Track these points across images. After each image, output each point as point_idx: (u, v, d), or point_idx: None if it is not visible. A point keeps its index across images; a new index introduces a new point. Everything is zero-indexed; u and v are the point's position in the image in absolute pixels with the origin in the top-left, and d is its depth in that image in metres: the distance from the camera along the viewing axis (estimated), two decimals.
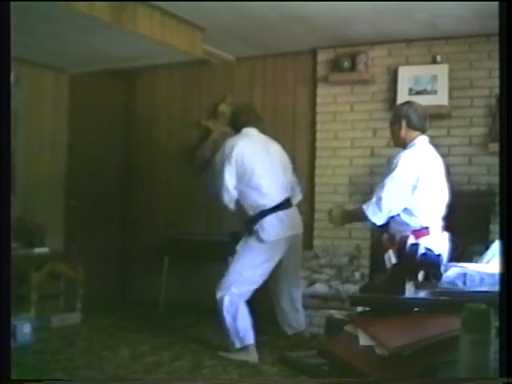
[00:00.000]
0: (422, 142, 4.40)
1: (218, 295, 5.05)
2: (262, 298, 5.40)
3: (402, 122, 4.39)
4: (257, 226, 5.08)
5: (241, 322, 5.00)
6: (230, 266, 5.15)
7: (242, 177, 5.12)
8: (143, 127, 7.56)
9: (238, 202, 5.21)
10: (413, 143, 4.38)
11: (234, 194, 5.16)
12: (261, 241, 5.07)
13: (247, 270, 5.07)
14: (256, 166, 5.14)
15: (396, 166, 4.25)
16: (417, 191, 4.25)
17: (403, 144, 4.41)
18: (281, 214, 5.15)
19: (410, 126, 4.39)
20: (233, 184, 5.13)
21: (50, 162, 6.93)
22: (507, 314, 1.55)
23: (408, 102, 4.64)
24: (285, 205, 5.21)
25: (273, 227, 5.10)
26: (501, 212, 1.74)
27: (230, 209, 5.23)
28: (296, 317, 5.48)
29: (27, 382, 2.59)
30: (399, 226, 4.25)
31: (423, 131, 4.43)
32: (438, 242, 4.18)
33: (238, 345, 4.99)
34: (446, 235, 4.39)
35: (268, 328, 5.44)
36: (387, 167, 4.50)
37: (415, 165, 4.26)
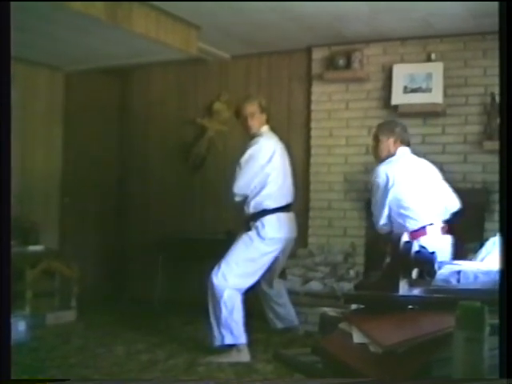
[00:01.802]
0: (401, 153, 4.79)
1: (216, 282, 4.99)
2: (254, 295, 5.42)
3: (393, 138, 4.80)
4: (257, 223, 5.10)
5: (236, 319, 4.99)
6: (229, 254, 5.11)
7: (265, 175, 5.13)
8: (138, 125, 7.55)
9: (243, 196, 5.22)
10: (393, 154, 4.79)
11: (249, 188, 5.15)
12: (260, 237, 5.08)
13: (245, 262, 5.07)
14: (276, 168, 5.19)
15: (373, 182, 4.75)
16: (397, 195, 4.60)
17: (386, 158, 4.79)
18: (281, 215, 5.18)
19: (403, 142, 4.85)
20: (252, 178, 5.13)
21: (45, 160, 6.93)
22: (507, 312, 1.55)
23: (394, 121, 5.18)
24: (286, 208, 5.25)
25: (272, 226, 5.12)
26: (501, 209, 1.74)
27: (235, 199, 5.21)
28: (285, 312, 5.50)
29: (26, 382, 2.59)
30: (400, 229, 4.44)
31: (408, 145, 4.89)
32: (438, 243, 4.43)
33: (228, 340, 4.95)
34: (448, 238, 4.59)
35: (262, 326, 5.43)
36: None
37: (388, 174, 4.64)
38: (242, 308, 5.03)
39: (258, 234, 5.08)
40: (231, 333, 4.95)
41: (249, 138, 5.26)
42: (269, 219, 5.11)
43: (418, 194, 4.63)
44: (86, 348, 5.29)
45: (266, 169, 5.12)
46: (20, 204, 6.32)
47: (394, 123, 5.07)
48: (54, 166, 7.02)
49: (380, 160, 4.83)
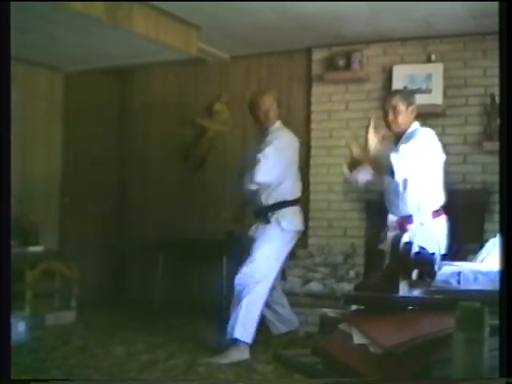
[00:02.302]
0: (417, 127, 4.46)
1: (241, 280, 5.02)
2: None
3: (411, 108, 4.41)
4: (277, 215, 5.15)
5: (253, 319, 5.03)
6: (253, 250, 5.12)
7: (287, 167, 5.19)
8: (138, 125, 7.56)
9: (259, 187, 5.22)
10: (408, 128, 4.42)
11: (272, 177, 5.12)
12: (282, 229, 5.15)
13: (269, 258, 5.13)
14: (295, 161, 5.30)
15: (422, 138, 4.29)
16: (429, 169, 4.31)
17: (404, 130, 4.41)
18: (296, 208, 5.28)
19: (417, 115, 4.49)
20: (276, 168, 5.12)
21: (45, 161, 6.93)
22: (507, 313, 1.55)
23: (410, 89, 4.97)
24: (298, 201, 5.34)
25: (291, 218, 5.21)
26: (501, 210, 1.74)
27: (253, 188, 5.15)
28: (288, 313, 5.51)
29: (34, 382, 2.58)
30: (421, 211, 4.32)
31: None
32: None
33: (238, 335, 4.96)
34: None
35: (262, 327, 5.42)
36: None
37: (434, 146, 4.33)
38: (260, 309, 5.07)
39: (279, 226, 5.14)
40: (244, 329, 4.98)
41: (260, 131, 5.31)
42: (288, 211, 5.19)
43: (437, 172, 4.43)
44: (85, 348, 5.29)
45: (288, 161, 5.19)
46: (20, 204, 6.32)
47: (409, 90, 4.81)
48: (53, 166, 7.03)
49: (397, 133, 4.42)
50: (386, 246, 4.44)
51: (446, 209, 4.43)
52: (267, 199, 5.18)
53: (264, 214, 5.19)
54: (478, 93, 5.82)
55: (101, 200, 7.44)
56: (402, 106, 4.37)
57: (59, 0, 4.61)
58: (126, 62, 6.78)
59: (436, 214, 4.36)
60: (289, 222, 5.18)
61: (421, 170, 4.23)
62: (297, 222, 5.27)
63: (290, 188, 5.24)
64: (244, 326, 4.97)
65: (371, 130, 4.09)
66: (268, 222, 5.16)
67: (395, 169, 4.03)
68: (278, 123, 5.30)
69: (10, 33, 2.04)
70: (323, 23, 5.70)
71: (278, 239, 5.15)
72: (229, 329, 4.98)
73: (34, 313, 5.76)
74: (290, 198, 5.23)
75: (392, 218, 4.44)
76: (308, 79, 6.58)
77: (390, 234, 4.30)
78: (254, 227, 5.25)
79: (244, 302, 4.97)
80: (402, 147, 4.17)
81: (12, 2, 2.22)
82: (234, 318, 4.98)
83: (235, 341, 4.97)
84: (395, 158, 4.04)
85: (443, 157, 4.38)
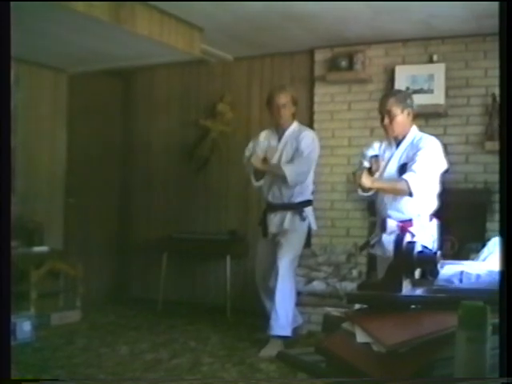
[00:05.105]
0: (416, 131, 4.43)
1: (282, 273, 5.15)
2: (256, 295, 5.45)
3: (407, 111, 4.36)
4: (305, 214, 5.28)
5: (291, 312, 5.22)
6: (294, 248, 5.26)
7: (313, 165, 5.43)
8: (142, 126, 7.57)
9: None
10: (407, 132, 4.39)
11: (307, 177, 5.33)
12: (308, 227, 5.30)
13: (297, 254, 5.34)
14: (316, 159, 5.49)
15: (431, 151, 4.24)
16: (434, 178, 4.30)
17: (403, 135, 4.38)
18: (312, 208, 5.46)
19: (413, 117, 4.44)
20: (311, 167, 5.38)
21: (49, 161, 6.94)
22: (507, 312, 1.57)
23: (403, 91, 4.89)
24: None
25: (313, 217, 5.38)
26: (501, 210, 1.75)
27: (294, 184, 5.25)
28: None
29: (26, 382, 2.60)
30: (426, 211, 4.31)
31: None
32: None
33: (286, 332, 5.15)
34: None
35: (264, 325, 5.43)
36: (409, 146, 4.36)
37: (441, 158, 4.31)
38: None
39: (309, 226, 5.30)
40: (287, 324, 5.16)
41: (276, 129, 5.41)
42: (310, 210, 5.36)
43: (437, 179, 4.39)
44: (90, 348, 5.31)
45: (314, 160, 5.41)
46: (24, 205, 6.33)
47: (404, 93, 4.65)
48: (58, 166, 7.03)
49: (394, 137, 4.38)
50: (378, 250, 4.42)
51: (438, 213, 4.39)
52: (297, 196, 5.29)
53: (295, 210, 5.28)
54: (479, 93, 5.83)
55: (105, 200, 7.46)
56: (396, 110, 4.30)
57: (61, 0, 4.61)
58: (129, 63, 6.78)
59: (431, 217, 4.34)
60: (312, 221, 5.34)
61: (429, 181, 4.24)
62: (314, 221, 5.41)
63: (311, 188, 5.42)
64: (286, 319, 5.18)
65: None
66: (304, 218, 5.26)
67: (413, 189, 4.10)
68: (296, 124, 5.40)
69: (10, 33, 2.05)
70: (325, 24, 5.72)
71: (304, 236, 5.31)
72: (282, 327, 5.15)
73: (39, 312, 5.78)
74: (311, 197, 5.40)
75: (391, 223, 4.33)
76: (311, 80, 6.59)
77: (388, 238, 4.28)
78: (277, 220, 5.33)
79: (287, 299, 5.16)
80: (416, 166, 4.15)
81: (15, 4, 2.23)
82: (284, 316, 5.15)
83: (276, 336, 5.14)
84: (412, 178, 4.10)
85: (446, 165, 4.35)
